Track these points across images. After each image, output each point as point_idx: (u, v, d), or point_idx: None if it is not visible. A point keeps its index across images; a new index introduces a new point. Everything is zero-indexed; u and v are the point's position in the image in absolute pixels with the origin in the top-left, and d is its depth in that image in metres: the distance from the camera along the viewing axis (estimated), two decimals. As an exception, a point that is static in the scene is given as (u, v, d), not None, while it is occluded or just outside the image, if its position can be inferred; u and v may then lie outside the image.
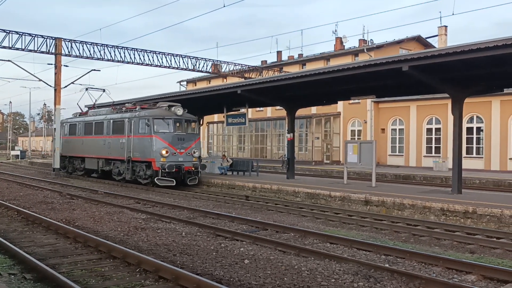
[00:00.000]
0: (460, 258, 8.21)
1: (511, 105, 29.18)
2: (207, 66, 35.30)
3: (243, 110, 24.17)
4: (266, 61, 48.40)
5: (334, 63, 35.62)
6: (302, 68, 41.83)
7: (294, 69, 39.24)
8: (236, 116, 24.71)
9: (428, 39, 39.53)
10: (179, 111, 20.81)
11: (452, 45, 13.71)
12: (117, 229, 10.78)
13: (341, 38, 42.35)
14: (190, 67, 34.08)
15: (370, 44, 39.16)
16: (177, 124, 20.64)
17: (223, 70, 37.11)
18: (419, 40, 39.17)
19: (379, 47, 37.26)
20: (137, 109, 21.91)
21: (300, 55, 45.25)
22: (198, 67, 34.62)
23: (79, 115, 27.83)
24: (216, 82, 45.80)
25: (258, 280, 6.81)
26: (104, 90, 28.18)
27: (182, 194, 18.32)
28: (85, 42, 29.81)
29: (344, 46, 42.46)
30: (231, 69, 37.54)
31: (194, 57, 34.28)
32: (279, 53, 48.43)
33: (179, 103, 21.78)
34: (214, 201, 16.45)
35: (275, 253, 8.61)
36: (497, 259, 8.53)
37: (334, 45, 43.36)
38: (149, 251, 8.56)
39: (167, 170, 19.41)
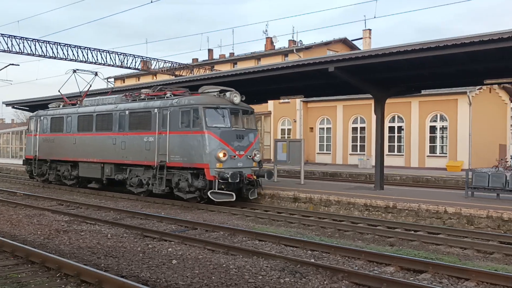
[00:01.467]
0: (380, 251, 8.62)
1: (428, 106, 31.05)
2: (135, 62, 34.41)
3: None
4: (197, 59, 48.03)
5: (265, 62, 36.05)
6: (234, 66, 41.96)
7: (226, 68, 39.27)
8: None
9: (354, 42, 41.12)
10: (236, 98, 14.97)
11: (375, 48, 14.37)
12: (37, 232, 10.22)
13: (271, 38, 42.96)
14: (118, 63, 33.05)
15: (299, 44, 40.07)
16: (234, 117, 14.95)
17: (152, 67, 36.34)
18: (345, 42, 40.62)
19: (308, 48, 38.21)
20: (168, 95, 15.77)
21: (232, 54, 45.35)
22: (126, 63, 33.66)
23: (63, 106, 21.03)
24: (146, 80, 44.77)
25: (186, 280, 6.74)
26: (96, 74, 21.41)
27: (109, 195, 17.72)
28: (1, 34, 27.94)
29: (274, 46, 43.10)
30: (161, 66, 36.86)
31: (122, 53, 33.28)
32: (210, 51, 48.24)
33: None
34: (143, 201, 16.08)
35: (204, 252, 8.57)
36: (414, 250, 9.05)
37: (265, 45, 43.89)
38: (71, 254, 8.20)
39: (228, 180, 13.69)
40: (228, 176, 13.61)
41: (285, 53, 39.87)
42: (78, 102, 20.17)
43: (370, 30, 39.41)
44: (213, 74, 18.93)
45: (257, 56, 41.56)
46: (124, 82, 50.70)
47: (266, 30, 44.41)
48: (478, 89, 30.10)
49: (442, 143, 31.30)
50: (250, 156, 14.96)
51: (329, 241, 9.64)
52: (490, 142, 32.41)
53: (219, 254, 8.43)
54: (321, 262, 7.77)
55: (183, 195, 14.77)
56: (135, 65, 34.38)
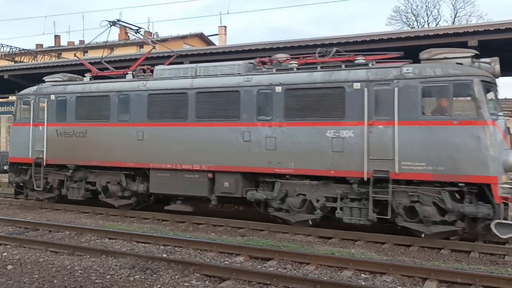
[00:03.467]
0: (231, 242, 8.90)
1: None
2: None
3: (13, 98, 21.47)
4: (42, 44, 44.03)
5: (119, 52, 34.58)
6: (84, 55, 39.43)
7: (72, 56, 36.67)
8: (4, 104, 21.84)
9: (210, 37, 41.66)
10: (498, 67, 9.26)
11: (231, 44, 14.75)
12: None
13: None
14: None
15: (155, 36, 39.25)
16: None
17: (-13, 51, 32.26)
18: (201, 37, 40.93)
19: (164, 40, 37.61)
20: (365, 62, 10.10)
21: (82, 42, 42.57)
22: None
23: (91, 79, 13.34)
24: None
25: (23, 287, 6.15)
26: (138, 30, 13.84)
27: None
28: None
29: (129, 36, 41.56)
30: (-2, 50, 32.93)
31: None
32: (57, 37, 44.64)
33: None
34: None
35: (45, 254, 7.91)
36: (263, 240, 9.53)
37: (119, 34, 42.09)
38: None
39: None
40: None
41: (140, 44, 38.75)
42: (129, 72, 12.67)
43: (225, 27, 40.33)
44: (46, 63, 17.50)
45: (110, 46, 39.62)
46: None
47: (120, 19, 42.59)
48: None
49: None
50: None
51: (182, 235, 9.64)
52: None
53: (63, 255, 7.86)
54: (173, 257, 7.73)
55: (432, 227, 8.99)
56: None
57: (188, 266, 7.04)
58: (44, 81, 13.82)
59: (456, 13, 39.99)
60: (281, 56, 11.40)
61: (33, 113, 13.46)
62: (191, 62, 13.31)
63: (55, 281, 6.42)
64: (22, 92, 13.92)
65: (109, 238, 9.30)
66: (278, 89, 10.29)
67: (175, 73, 11.70)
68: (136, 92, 11.88)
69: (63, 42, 44.16)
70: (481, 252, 8.53)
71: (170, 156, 11.31)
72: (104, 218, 12.10)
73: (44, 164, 13.08)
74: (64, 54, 39.10)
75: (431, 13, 41.48)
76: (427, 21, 40.43)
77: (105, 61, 14.17)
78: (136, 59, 14.34)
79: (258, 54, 12.76)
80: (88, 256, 7.77)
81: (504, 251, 8.45)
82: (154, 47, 14.21)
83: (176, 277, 6.71)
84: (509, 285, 6.41)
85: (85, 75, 13.42)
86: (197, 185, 11.06)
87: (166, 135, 11.42)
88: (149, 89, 11.73)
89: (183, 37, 39.01)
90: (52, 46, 43.50)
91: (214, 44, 38.66)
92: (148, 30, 40.63)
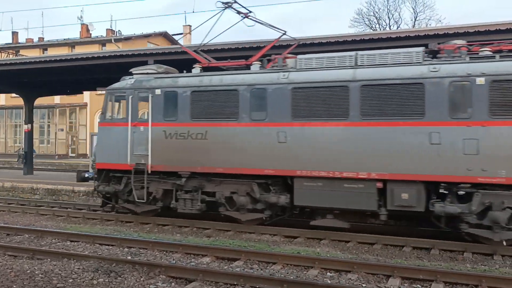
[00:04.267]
0: (197, 243, 8.83)
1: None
2: None
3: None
4: (-2, 41, 42.44)
5: (80, 50, 33.74)
6: (44, 53, 38.29)
7: (34, 53, 35.54)
8: None
9: (174, 36, 41.19)
10: None
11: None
12: None
13: (87, 25, 40.41)
14: None
15: (118, 34, 38.53)
16: None
17: None
18: (166, 36, 40.46)
19: (128, 38, 36.99)
20: None
21: (41, 39, 41.32)
22: None
23: (202, 70, 11.22)
24: None
25: (-21, 293, 5.91)
26: (247, 15, 11.13)
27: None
28: None
29: (91, 34, 40.66)
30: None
31: None
32: (15, 33, 43.12)
33: None
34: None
35: (3, 259, 7.62)
36: (229, 240, 9.50)
37: (80, 32, 41.09)
38: None
39: None
40: None
41: (102, 42, 37.98)
42: (254, 63, 10.71)
43: (190, 26, 39.98)
44: (3, 61, 16.92)
45: (71, 43, 38.68)
46: None
47: (82, 17, 41.63)
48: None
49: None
50: None
51: (147, 237, 9.50)
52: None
53: (22, 259, 7.60)
54: (138, 259, 7.60)
55: None
56: None
57: (153, 268, 6.93)
58: (131, 73, 11.64)
59: (416, 17, 41.14)
60: (457, 42, 9.45)
61: (131, 111, 11.17)
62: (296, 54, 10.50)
63: (14, 286, 6.20)
64: (114, 86, 11.53)
65: (71, 241, 9.06)
66: (480, 80, 8.55)
67: (327, 62, 9.83)
68: (275, 86, 9.87)
69: (21, 39, 42.73)
70: (441, 249, 8.78)
71: (324, 162, 9.38)
72: (65, 220, 11.77)
73: (149, 171, 10.94)
74: (22, 51, 37.86)
75: (393, 16, 42.48)
76: (389, 24, 41.45)
77: (201, 50, 11.67)
78: (243, 48, 12.40)
79: (425, 41, 10.39)
80: (49, 259, 7.54)
81: (462, 248, 8.73)
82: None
83: (142, 279, 6.60)
84: (468, 280, 6.63)
85: (194, 66, 11.22)
86: (361, 197, 9.19)
87: (319, 136, 9.47)
88: (293, 82, 9.76)
89: (147, 36, 38.46)
90: (9, 43, 42.01)
91: (179, 43, 38.30)
92: (110, 28, 39.93)
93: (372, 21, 42.15)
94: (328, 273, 7.13)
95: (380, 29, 38.83)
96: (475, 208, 8.44)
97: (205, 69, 11.17)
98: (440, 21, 39.87)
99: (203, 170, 10.37)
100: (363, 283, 6.67)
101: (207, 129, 10.38)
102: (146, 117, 11.23)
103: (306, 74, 9.78)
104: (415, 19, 40.95)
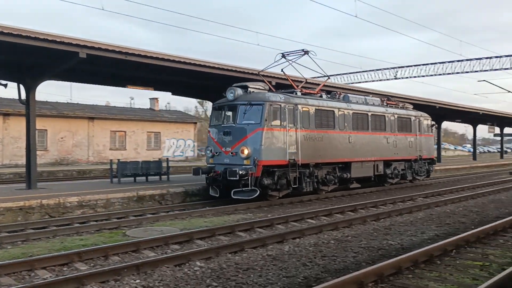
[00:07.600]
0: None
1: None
2: None
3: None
4: None
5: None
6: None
7: None
8: None
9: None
10: None
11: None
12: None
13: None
14: None
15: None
16: None
17: None
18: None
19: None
20: None
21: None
22: None
23: (300, 95, 16.20)
24: None
25: None
26: (306, 52, 16.13)
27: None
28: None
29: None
30: None
31: None
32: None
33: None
34: None
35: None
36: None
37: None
38: None
39: None
40: None
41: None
42: (316, 93, 17.11)
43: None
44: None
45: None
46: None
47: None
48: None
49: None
50: None
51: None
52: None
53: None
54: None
55: None
56: None
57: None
58: (247, 86, 14.99)
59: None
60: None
61: (288, 120, 14.60)
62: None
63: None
64: (271, 98, 14.42)
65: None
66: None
67: (362, 100, 19.08)
68: (346, 111, 17.30)
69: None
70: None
71: (362, 153, 18.38)
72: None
73: (299, 164, 14.81)
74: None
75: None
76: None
77: (262, 75, 17.02)
78: (304, 81, 18.18)
79: None
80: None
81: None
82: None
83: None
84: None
85: (295, 90, 16.25)
86: (370, 168, 18.86)
87: (362, 139, 18.33)
88: (352, 109, 17.50)
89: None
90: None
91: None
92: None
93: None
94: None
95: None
96: None
97: (302, 93, 16.43)
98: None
99: (323, 161, 15.91)
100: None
101: (323, 135, 15.98)
102: (293, 125, 14.91)
103: (356, 106, 17.84)
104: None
